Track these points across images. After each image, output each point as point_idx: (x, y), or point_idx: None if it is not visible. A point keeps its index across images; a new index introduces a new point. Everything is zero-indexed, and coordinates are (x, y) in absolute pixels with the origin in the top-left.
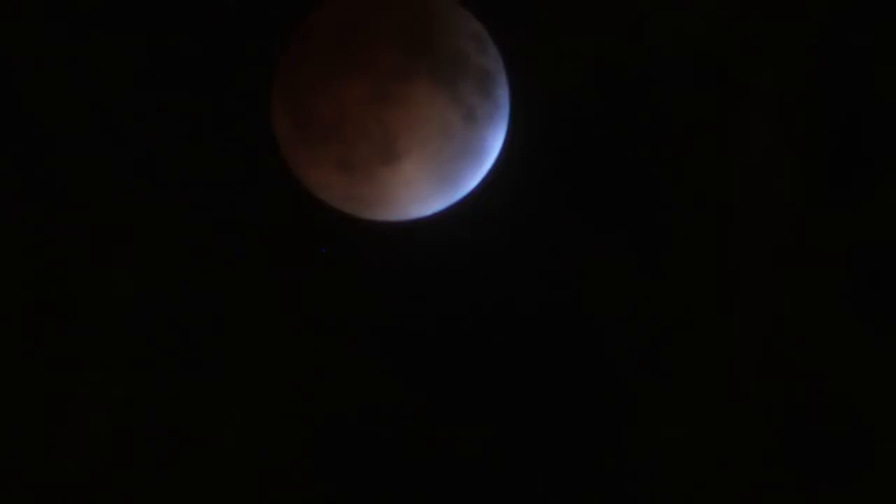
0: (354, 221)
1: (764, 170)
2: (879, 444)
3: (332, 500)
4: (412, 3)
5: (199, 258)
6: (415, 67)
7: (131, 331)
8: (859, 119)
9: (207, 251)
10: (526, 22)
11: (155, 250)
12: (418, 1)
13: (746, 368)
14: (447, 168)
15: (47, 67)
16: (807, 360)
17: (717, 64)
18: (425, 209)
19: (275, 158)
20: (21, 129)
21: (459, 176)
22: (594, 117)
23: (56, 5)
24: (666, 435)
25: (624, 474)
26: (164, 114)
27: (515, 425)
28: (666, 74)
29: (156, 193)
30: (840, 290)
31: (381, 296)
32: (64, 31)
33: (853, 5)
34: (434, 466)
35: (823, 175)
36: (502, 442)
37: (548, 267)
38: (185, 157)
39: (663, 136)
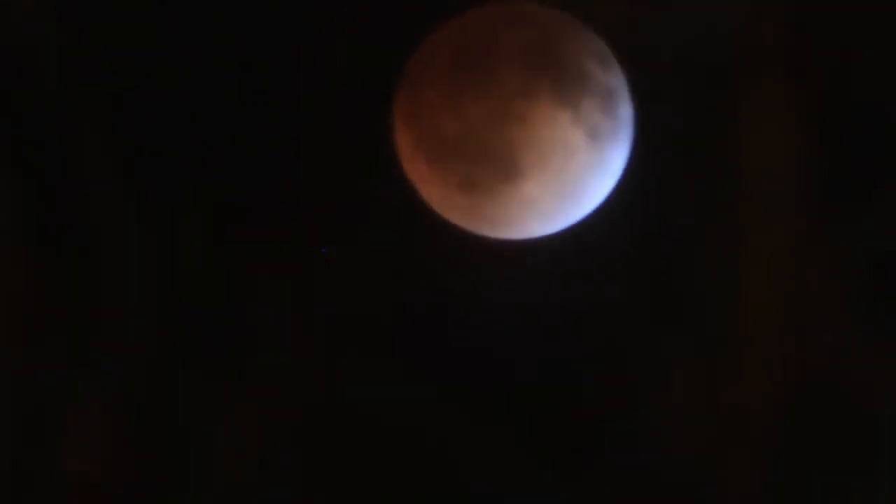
0: (477, 240)
1: (771, 176)
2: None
3: None
4: (535, 21)
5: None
6: (538, 86)
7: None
8: (867, 124)
9: (329, 269)
10: (650, 41)
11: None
12: (542, 19)
13: (749, 370)
14: (570, 187)
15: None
16: (812, 364)
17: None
18: (548, 228)
19: (397, 176)
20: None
21: (582, 194)
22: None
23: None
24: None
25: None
26: (286, 132)
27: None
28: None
29: (274, 212)
30: (847, 295)
31: (504, 314)
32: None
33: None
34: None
35: (831, 181)
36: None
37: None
38: (307, 175)
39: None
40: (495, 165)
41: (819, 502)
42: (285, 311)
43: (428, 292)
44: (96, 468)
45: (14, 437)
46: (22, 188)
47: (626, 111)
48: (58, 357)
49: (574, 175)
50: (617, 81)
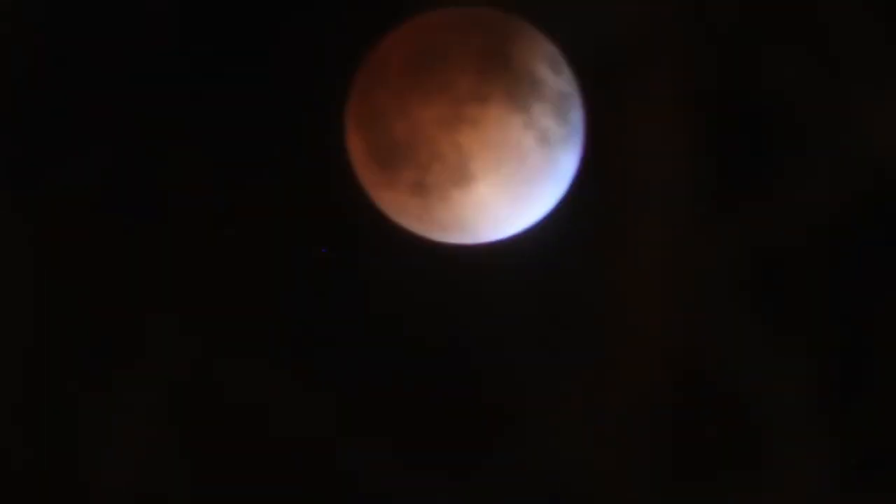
0: (428, 244)
1: (660, 174)
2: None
3: None
4: (488, 25)
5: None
6: (489, 90)
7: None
8: (756, 118)
9: (279, 274)
10: (601, 44)
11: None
12: (494, 23)
13: (641, 368)
14: (521, 191)
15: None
16: (704, 362)
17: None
18: (499, 232)
19: (348, 180)
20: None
21: (533, 199)
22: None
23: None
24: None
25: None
26: (235, 134)
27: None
28: None
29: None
30: (739, 292)
31: (454, 319)
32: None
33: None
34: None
35: (722, 176)
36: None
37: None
38: (257, 178)
39: None
40: (447, 169)
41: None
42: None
43: (379, 296)
44: None
45: None
46: None
47: (577, 116)
48: None
49: (525, 179)
50: (568, 86)
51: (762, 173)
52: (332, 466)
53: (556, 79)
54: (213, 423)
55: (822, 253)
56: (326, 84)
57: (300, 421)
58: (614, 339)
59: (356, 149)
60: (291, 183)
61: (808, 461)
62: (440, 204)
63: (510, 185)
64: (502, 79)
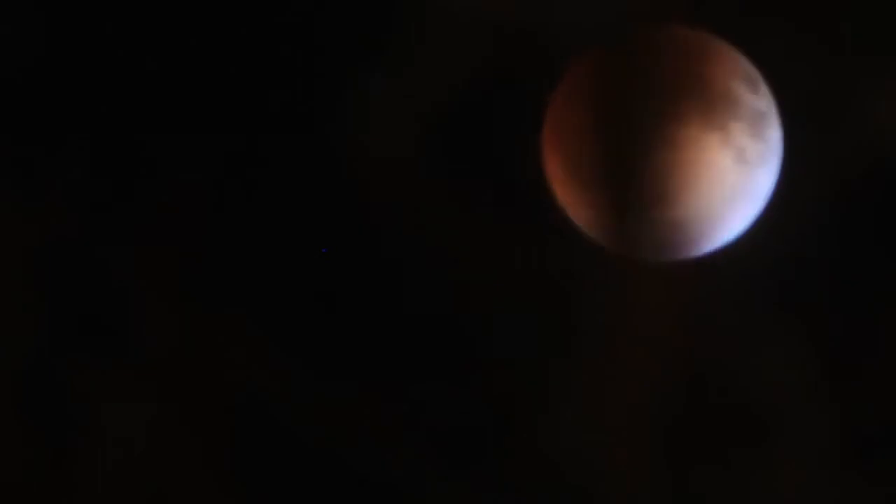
0: (624, 262)
1: None
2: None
3: None
4: (684, 44)
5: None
6: (686, 109)
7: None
8: None
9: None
10: (799, 63)
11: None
12: (690, 42)
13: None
14: (718, 210)
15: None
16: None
17: None
18: (696, 251)
19: (546, 200)
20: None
21: (729, 218)
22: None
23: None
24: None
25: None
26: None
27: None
28: None
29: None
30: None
31: (651, 337)
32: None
33: None
34: None
35: None
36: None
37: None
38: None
39: None
40: (644, 189)
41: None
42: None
43: (577, 313)
44: None
45: None
46: None
47: (774, 134)
48: None
49: (722, 199)
50: (765, 104)
51: None
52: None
53: (753, 97)
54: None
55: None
56: (524, 105)
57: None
58: None
59: (554, 168)
60: (491, 203)
61: (812, 449)
62: (637, 224)
63: (707, 203)
64: (699, 98)
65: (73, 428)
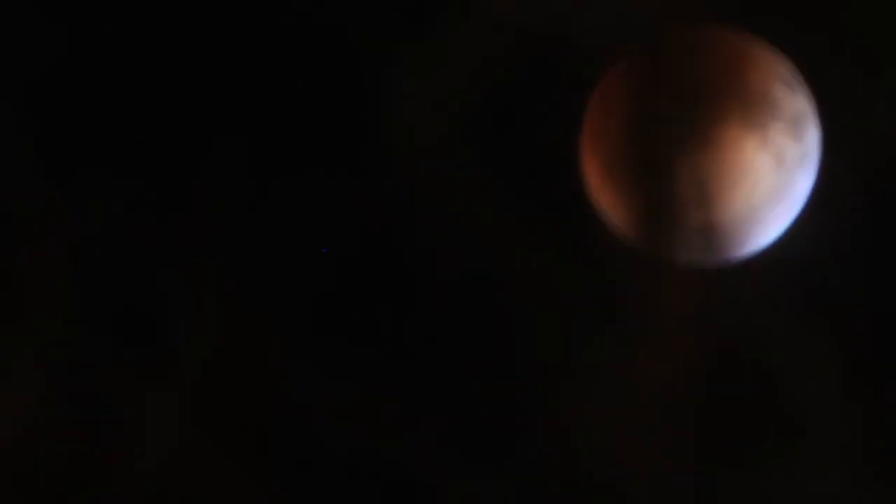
0: (663, 264)
1: None
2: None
3: None
4: (723, 45)
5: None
6: (724, 110)
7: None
8: None
9: (511, 294)
10: (838, 64)
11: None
12: (729, 43)
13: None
14: (755, 212)
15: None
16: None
17: None
18: (735, 253)
19: (583, 201)
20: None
21: (768, 220)
22: None
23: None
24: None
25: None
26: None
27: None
28: None
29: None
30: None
31: (691, 340)
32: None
33: None
34: None
35: None
36: None
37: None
38: (494, 201)
39: None
40: (682, 191)
41: (735, 493)
42: None
43: (614, 316)
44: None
45: None
46: None
47: (813, 136)
48: None
49: (760, 200)
50: (804, 106)
51: None
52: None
53: (792, 99)
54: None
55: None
56: (562, 107)
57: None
58: None
59: (592, 171)
60: (527, 206)
61: (840, 450)
62: (675, 226)
63: (745, 205)
64: (737, 100)
65: (107, 427)
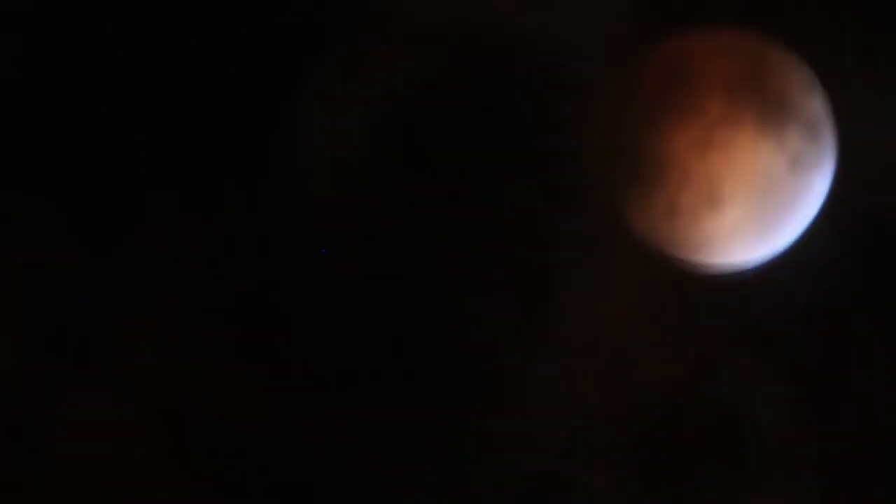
0: (679, 266)
1: None
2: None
3: None
4: (740, 48)
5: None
6: (741, 113)
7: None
8: None
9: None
10: (853, 69)
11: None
12: (746, 46)
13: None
14: (772, 214)
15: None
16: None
17: None
18: (749, 256)
19: (600, 202)
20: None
21: (783, 223)
22: None
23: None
24: None
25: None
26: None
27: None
28: None
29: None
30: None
31: (704, 340)
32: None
33: None
34: None
35: None
36: None
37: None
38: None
39: None
40: (698, 192)
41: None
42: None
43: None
44: None
45: None
46: None
47: (828, 140)
48: None
49: (776, 203)
50: (820, 109)
51: None
52: None
53: (808, 101)
54: None
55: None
56: (576, 106)
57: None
58: None
59: (608, 171)
60: (542, 206)
61: (795, 471)
62: (691, 226)
63: (761, 207)
64: (753, 102)
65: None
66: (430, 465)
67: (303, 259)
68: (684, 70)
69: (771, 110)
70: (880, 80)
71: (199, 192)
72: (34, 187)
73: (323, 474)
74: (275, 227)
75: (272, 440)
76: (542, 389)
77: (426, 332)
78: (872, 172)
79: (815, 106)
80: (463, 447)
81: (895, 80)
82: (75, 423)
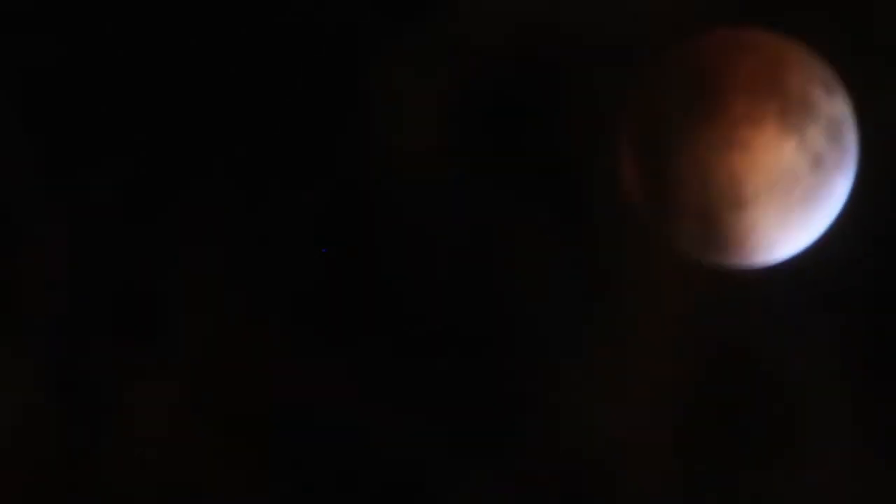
0: (703, 266)
1: None
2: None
3: None
4: (762, 48)
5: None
6: (763, 113)
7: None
8: None
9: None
10: (876, 68)
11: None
12: (768, 46)
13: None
14: (794, 214)
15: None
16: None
17: None
18: (772, 255)
19: (622, 203)
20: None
21: (806, 223)
22: None
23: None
24: None
25: None
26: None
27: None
28: None
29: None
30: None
31: (731, 339)
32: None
33: None
34: None
35: None
36: None
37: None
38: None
39: None
40: (720, 193)
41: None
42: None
43: (655, 317)
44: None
45: None
46: None
47: (850, 139)
48: None
49: (799, 202)
50: (842, 109)
51: None
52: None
53: (830, 101)
54: None
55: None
56: (600, 109)
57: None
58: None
59: (630, 172)
60: (567, 208)
61: (840, 448)
62: (714, 227)
63: (783, 208)
64: (775, 101)
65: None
66: (483, 459)
67: (359, 246)
68: (706, 69)
69: (793, 110)
70: None
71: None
72: (84, 160)
73: (378, 466)
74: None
75: (329, 430)
76: (594, 385)
77: (482, 327)
78: (894, 171)
79: (838, 105)
80: (516, 441)
81: None
82: (129, 408)
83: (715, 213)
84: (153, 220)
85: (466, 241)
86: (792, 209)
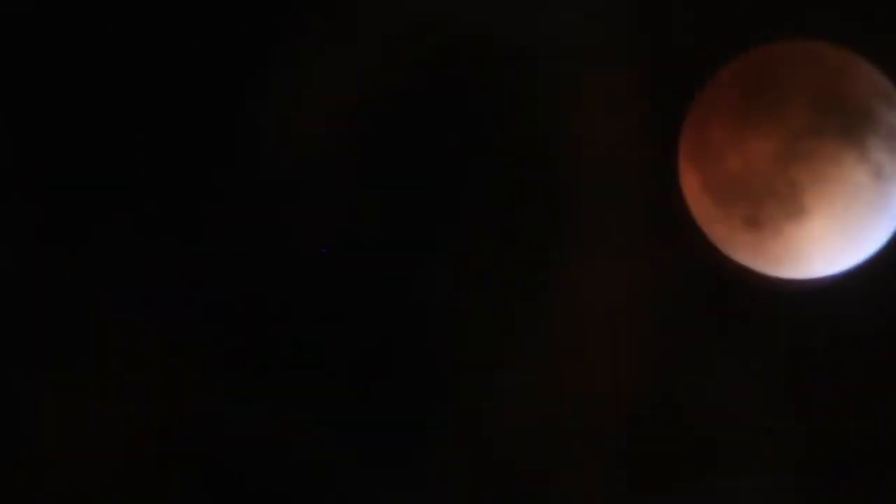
0: (761, 278)
1: None
2: None
3: None
4: (821, 59)
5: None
6: (823, 124)
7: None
8: None
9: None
10: None
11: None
12: (827, 57)
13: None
14: (854, 226)
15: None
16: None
17: None
18: (832, 267)
19: (682, 214)
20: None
21: (867, 234)
22: None
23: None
24: None
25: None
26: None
27: None
28: None
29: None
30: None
31: (790, 354)
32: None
33: None
34: None
35: None
36: None
37: None
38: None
39: None
40: (780, 204)
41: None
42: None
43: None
44: None
45: None
46: None
47: None
48: None
49: (858, 214)
50: None
51: None
52: None
53: (891, 113)
54: None
55: None
56: (660, 119)
57: None
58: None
59: (690, 183)
60: (625, 218)
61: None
62: (773, 238)
63: (843, 219)
64: (836, 113)
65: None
66: (415, 465)
67: (285, 257)
68: (767, 81)
69: (853, 121)
70: None
71: (176, 191)
72: (10, 186)
73: (306, 475)
74: (255, 226)
75: (256, 441)
76: (530, 390)
77: (412, 331)
78: None
79: None
80: (448, 446)
81: None
82: (56, 427)
83: (775, 224)
84: (71, 238)
85: (400, 239)
86: (852, 220)
